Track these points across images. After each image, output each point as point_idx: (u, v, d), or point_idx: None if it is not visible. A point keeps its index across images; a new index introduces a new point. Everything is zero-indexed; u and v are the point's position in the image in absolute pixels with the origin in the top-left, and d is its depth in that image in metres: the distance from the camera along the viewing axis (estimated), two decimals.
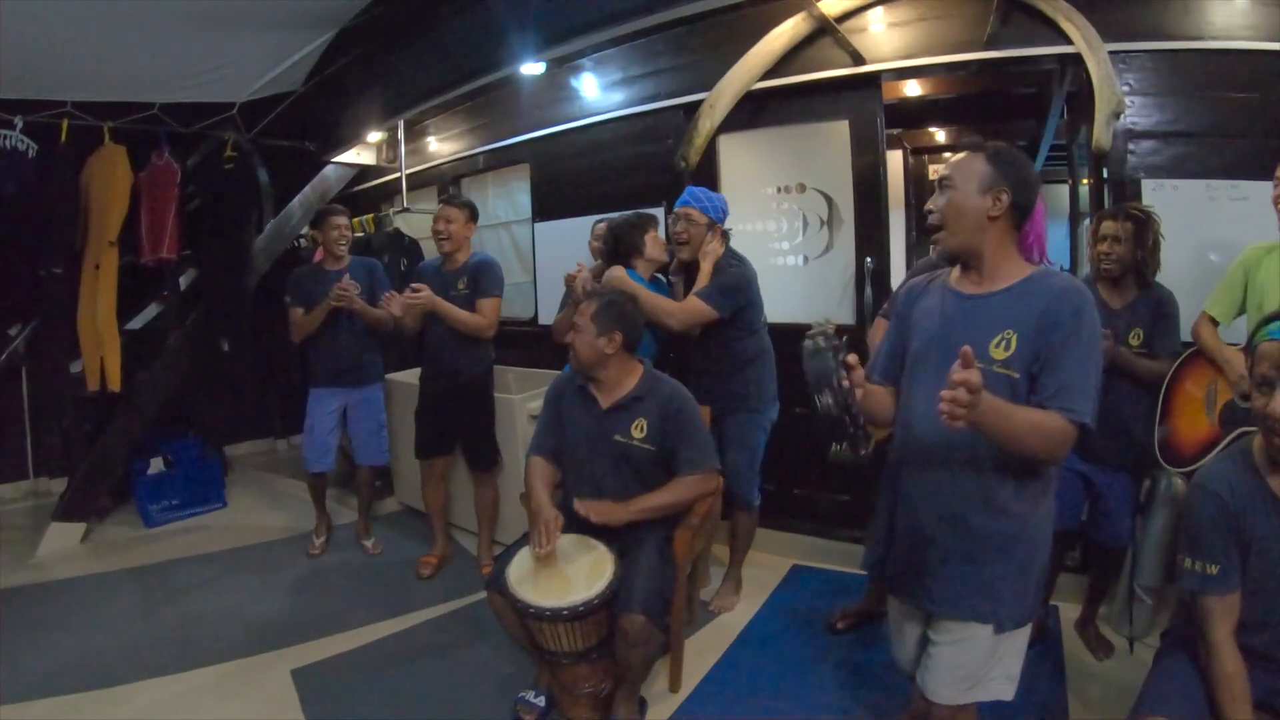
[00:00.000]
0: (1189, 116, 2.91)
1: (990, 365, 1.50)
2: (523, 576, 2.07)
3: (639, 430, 2.33)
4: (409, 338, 3.61)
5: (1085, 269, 4.01)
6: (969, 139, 1.66)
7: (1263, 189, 2.76)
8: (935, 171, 6.40)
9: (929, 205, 1.66)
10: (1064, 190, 9.25)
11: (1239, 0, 2.90)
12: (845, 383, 1.44)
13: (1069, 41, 2.91)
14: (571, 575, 2.06)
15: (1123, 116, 2.87)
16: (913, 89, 4.62)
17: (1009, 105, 5.51)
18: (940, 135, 6.31)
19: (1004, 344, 1.52)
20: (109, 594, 3.50)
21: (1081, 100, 3.91)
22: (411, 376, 4.01)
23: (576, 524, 2.18)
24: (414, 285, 3.26)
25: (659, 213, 3.82)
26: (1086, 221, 3.77)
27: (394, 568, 3.71)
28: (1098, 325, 1.51)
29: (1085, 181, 4.45)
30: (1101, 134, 2.81)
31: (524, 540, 2.30)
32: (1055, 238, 9.97)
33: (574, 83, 4.31)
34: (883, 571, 1.77)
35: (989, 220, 1.56)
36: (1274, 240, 2.36)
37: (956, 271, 1.68)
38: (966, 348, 1.30)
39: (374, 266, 3.89)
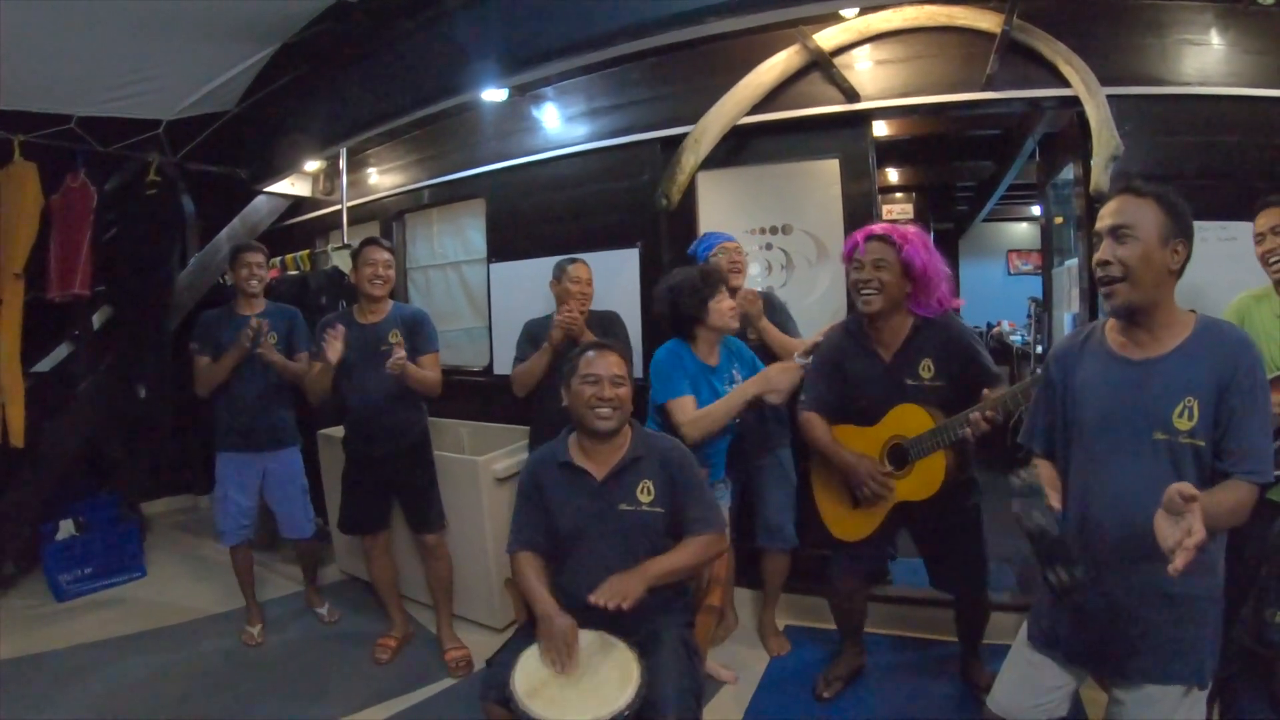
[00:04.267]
0: (1177, 160, 2.92)
1: (1176, 437, 1.48)
2: (534, 688, 1.73)
3: (645, 494, 2.06)
4: (317, 402, 3.14)
5: (1070, 307, 4.03)
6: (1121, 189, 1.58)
7: (1250, 230, 2.80)
8: (889, 212, 6.44)
9: (1102, 256, 1.53)
10: (1003, 229, 9.62)
11: (1215, 47, 2.97)
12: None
13: (1066, 84, 2.88)
14: (593, 684, 1.76)
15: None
16: (879, 129, 4.55)
17: (965, 147, 5.56)
18: (893, 176, 6.34)
19: (1186, 413, 1.47)
20: (14, 686, 2.99)
21: (1060, 142, 3.94)
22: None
23: (585, 617, 1.90)
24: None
25: (633, 254, 3.64)
26: (1073, 260, 3.75)
27: (345, 648, 3.29)
28: (1266, 378, 1.48)
29: (1058, 220, 4.50)
30: (1100, 177, 2.76)
31: (521, 639, 1.99)
32: (994, 277, 10.18)
33: (538, 112, 4.04)
34: (1056, 644, 1.67)
35: (1169, 274, 1.51)
36: (1261, 287, 2.37)
37: (1114, 333, 1.61)
38: (1185, 487, 1.25)
39: (293, 315, 3.47)
